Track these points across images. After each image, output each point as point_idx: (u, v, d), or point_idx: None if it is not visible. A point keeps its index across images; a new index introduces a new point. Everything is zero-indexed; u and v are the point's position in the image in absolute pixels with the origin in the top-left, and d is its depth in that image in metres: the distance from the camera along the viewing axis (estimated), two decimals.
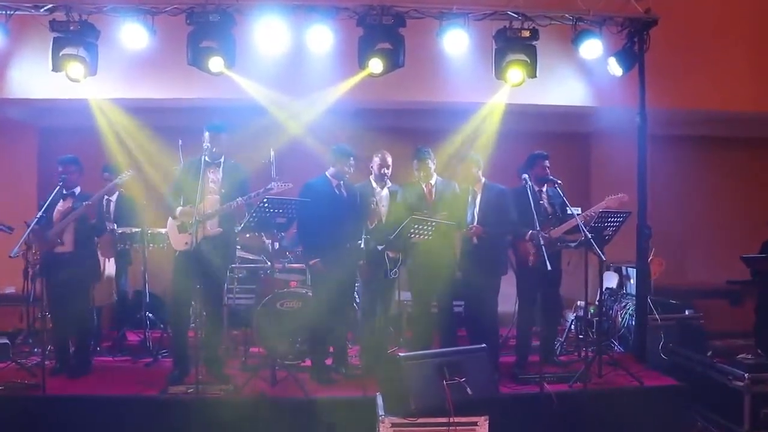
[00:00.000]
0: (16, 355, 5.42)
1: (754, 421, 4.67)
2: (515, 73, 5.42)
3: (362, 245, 4.78)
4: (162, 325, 6.16)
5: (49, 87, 5.90)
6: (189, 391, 4.55)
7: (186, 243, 4.74)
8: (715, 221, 7.70)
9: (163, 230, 5.95)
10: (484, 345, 4.25)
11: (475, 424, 3.89)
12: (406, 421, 3.87)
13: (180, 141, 5.78)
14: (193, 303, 5.29)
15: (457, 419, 3.84)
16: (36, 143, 7.66)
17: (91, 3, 5.38)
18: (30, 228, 4.74)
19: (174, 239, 4.91)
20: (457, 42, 5.47)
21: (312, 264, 4.97)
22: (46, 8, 5.40)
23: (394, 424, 3.90)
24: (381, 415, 3.95)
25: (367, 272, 5.07)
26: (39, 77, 5.90)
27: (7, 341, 5.57)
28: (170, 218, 4.96)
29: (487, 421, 3.90)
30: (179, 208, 4.83)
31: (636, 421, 4.67)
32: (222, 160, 4.94)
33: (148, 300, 6.02)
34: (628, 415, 4.67)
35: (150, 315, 6.05)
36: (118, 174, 5.52)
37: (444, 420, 3.83)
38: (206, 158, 4.85)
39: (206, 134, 4.89)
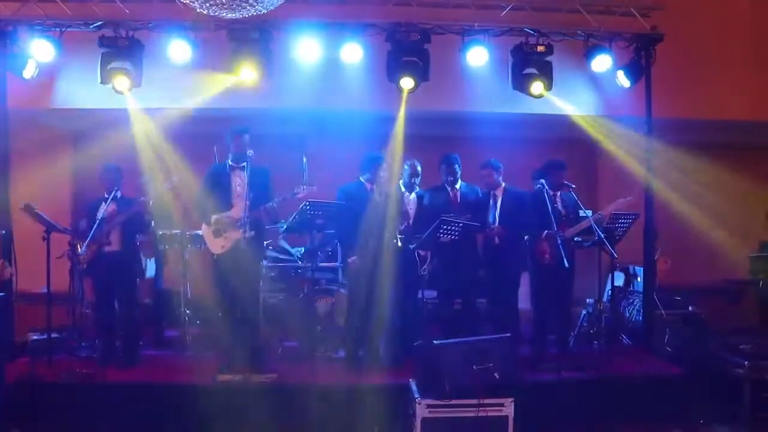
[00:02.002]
0: (65, 348, 5.81)
1: (755, 405, 5.08)
2: (537, 85, 5.84)
3: (399, 244, 5.18)
4: (198, 321, 6.55)
5: (94, 97, 6.29)
6: (237, 379, 4.94)
7: (222, 246, 5.13)
8: (715, 223, 8.07)
9: (200, 232, 6.41)
10: (509, 334, 4.67)
11: (501, 405, 4.32)
12: (440, 402, 4.30)
13: (215, 147, 6.20)
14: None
15: (485, 401, 4.27)
16: (72, 149, 8.06)
17: (136, 20, 5.80)
18: (94, 230, 5.15)
19: (211, 244, 5.25)
20: (477, 56, 5.90)
21: (350, 261, 5.37)
22: (95, 25, 5.82)
23: (429, 405, 4.32)
24: (417, 398, 4.36)
25: (398, 270, 5.47)
26: (85, 88, 6.29)
27: (58, 335, 5.96)
28: (204, 224, 5.30)
29: (513, 403, 4.33)
30: (214, 216, 5.17)
31: (644, 405, 5.10)
32: (246, 164, 5.16)
33: (189, 297, 6.40)
34: (636, 400, 5.11)
35: (188, 312, 6.45)
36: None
37: (474, 401, 4.26)
38: (230, 162, 5.24)
39: (233, 138, 5.22)
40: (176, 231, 6.29)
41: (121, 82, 5.81)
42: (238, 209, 5.11)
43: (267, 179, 5.29)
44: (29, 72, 5.89)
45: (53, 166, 7.77)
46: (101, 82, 5.83)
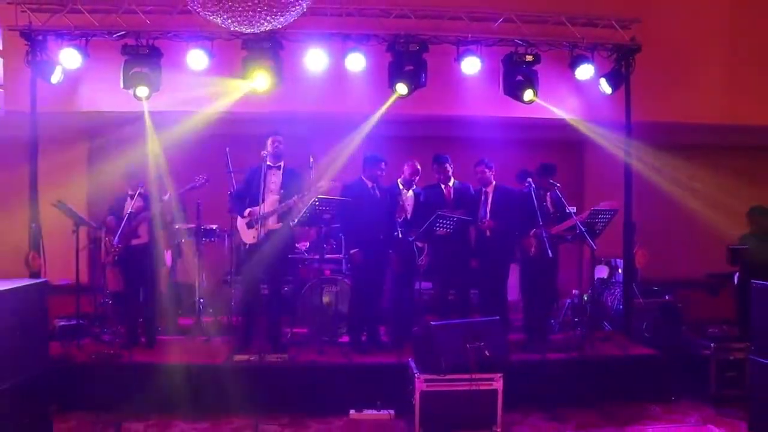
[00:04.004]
0: (89, 335, 6.28)
1: (719, 382, 5.64)
2: (527, 92, 6.35)
3: (400, 235, 5.68)
4: (211, 310, 7.02)
5: (116, 101, 6.74)
6: (252, 359, 5.43)
7: (254, 237, 5.63)
8: (694, 219, 8.57)
9: (214, 226, 6.92)
10: (498, 317, 5.18)
11: (491, 380, 4.84)
12: (437, 377, 4.81)
13: (227, 148, 6.69)
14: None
15: (477, 376, 4.79)
16: (86, 150, 8.52)
17: (156, 29, 6.27)
18: (123, 225, 5.62)
19: (243, 234, 5.76)
20: (471, 64, 6.39)
21: (353, 253, 5.86)
22: (118, 34, 6.29)
23: (427, 380, 4.83)
24: (416, 374, 4.86)
25: (397, 260, 5.96)
26: (107, 92, 6.74)
27: (82, 322, 6.42)
28: (239, 217, 5.80)
29: (502, 378, 4.85)
30: (248, 209, 5.68)
31: (622, 383, 5.62)
32: (281, 164, 5.78)
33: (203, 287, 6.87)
34: (616, 378, 5.63)
35: (202, 300, 6.93)
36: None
37: (467, 376, 4.77)
38: (268, 162, 5.74)
39: (269, 140, 5.77)
40: (191, 225, 6.77)
41: (141, 88, 6.28)
42: (269, 204, 5.63)
43: (300, 180, 5.83)
44: (56, 77, 6.34)
45: (70, 165, 8.25)
46: (124, 87, 6.29)
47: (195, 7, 4.54)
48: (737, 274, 6.95)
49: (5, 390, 3.90)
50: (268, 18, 4.64)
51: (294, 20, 4.78)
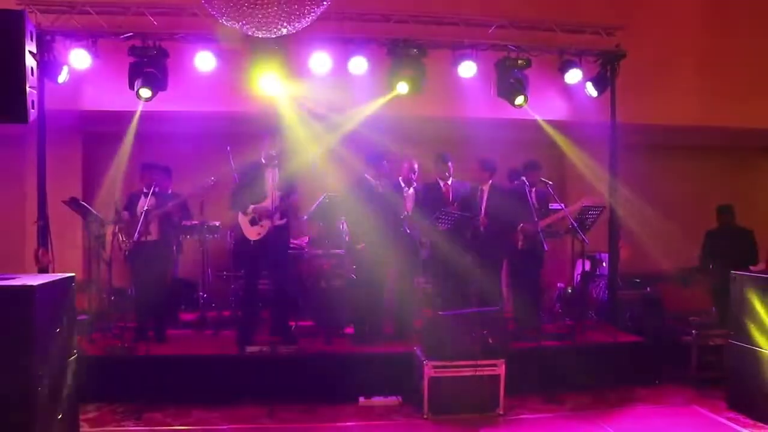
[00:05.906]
0: (98, 330, 6.40)
1: (700, 366, 6.08)
2: (518, 95, 6.71)
3: (407, 231, 5.97)
4: (213, 305, 7.21)
5: (121, 101, 6.85)
6: (264, 350, 5.66)
7: (258, 234, 5.84)
8: (671, 216, 9.07)
9: (217, 223, 7.10)
10: (498, 307, 5.52)
11: (495, 365, 5.18)
12: (444, 363, 5.12)
13: (228, 147, 6.86)
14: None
15: (481, 362, 5.13)
16: (81, 148, 8.58)
17: (164, 31, 6.42)
18: (141, 222, 5.78)
19: (247, 231, 5.94)
20: (466, 68, 6.72)
21: (359, 248, 6.12)
22: (126, 36, 6.42)
23: (434, 366, 5.14)
24: (424, 361, 5.17)
25: (400, 255, 6.24)
26: (114, 92, 6.85)
27: (86, 317, 6.53)
28: (241, 214, 5.98)
29: (504, 364, 5.19)
30: (252, 206, 5.88)
31: (609, 368, 5.98)
32: (277, 162, 5.99)
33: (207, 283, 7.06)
34: (603, 363, 5.98)
35: (205, 296, 7.12)
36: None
37: (472, 362, 5.11)
38: (263, 160, 5.96)
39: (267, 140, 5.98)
40: (195, 222, 6.94)
41: (146, 88, 6.42)
42: (271, 201, 5.79)
43: (294, 176, 6.02)
44: (62, 78, 6.44)
45: (63, 162, 8.30)
46: (130, 88, 6.43)
47: (212, 12, 4.75)
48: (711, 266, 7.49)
49: (44, 381, 4.04)
50: (284, 24, 4.90)
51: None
